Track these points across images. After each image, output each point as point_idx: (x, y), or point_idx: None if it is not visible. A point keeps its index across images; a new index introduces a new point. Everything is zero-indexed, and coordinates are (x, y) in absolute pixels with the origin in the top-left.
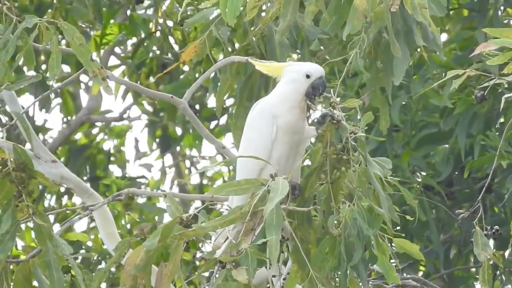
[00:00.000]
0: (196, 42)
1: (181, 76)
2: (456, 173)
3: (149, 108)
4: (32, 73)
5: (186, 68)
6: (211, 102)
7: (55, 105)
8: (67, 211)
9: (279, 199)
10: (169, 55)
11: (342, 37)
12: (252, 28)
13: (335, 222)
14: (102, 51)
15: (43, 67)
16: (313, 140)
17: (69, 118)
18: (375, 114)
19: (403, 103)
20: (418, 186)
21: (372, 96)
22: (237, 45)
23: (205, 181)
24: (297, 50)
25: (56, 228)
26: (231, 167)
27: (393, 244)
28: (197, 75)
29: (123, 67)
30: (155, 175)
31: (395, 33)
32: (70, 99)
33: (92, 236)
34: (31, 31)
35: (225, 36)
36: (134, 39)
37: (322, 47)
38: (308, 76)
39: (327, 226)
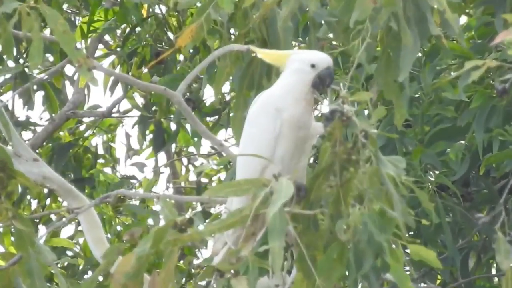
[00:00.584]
0: (193, 26)
1: (176, 68)
2: (474, 172)
3: (142, 101)
4: (11, 63)
5: (182, 58)
6: (206, 95)
7: (39, 99)
8: (51, 215)
9: (282, 201)
10: (163, 44)
11: (350, 23)
12: (252, 12)
13: (344, 226)
14: (89, 40)
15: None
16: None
17: (53, 115)
18: (386, 107)
19: (416, 95)
20: (431, 186)
21: (384, 87)
22: (233, 30)
23: (205, 180)
24: (300, 38)
25: (41, 230)
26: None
27: (407, 251)
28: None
29: (112, 57)
30: (148, 175)
31: (407, 20)
32: (53, 93)
33: (81, 241)
34: (11, 17)
35: (224, 19)
36: (124, 28)
37: (330, 33)
38: (313, 66)
39: (335, 231)
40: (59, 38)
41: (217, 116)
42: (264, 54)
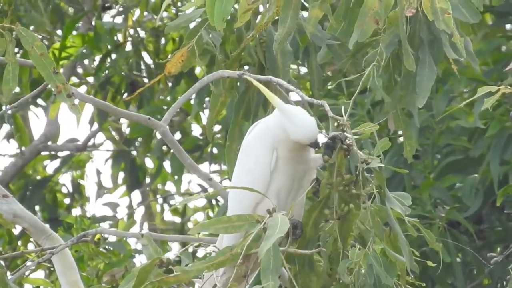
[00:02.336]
0: (183, 50)
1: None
2: (487, 207)
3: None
4: None
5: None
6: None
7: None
8: (23, 255)
9: (277, 237)
10: (140, 71)
11: (349, 45)
12: (247, 34)
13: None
14: (61, 70)
15: None
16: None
17: (23, 148)
18: (393, 136)
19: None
20: (441, 222)
21: (393, 117)
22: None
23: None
24: (299, 61)
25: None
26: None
27: None
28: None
29: (84, 87)
30: (121, 215)
31: (418, 43)
32: (23, 125)
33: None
34: None
35: (217, 42)
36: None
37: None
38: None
39: (338, 273)
40: (35, 62)
41: (198, 152)
42: (259, 85)
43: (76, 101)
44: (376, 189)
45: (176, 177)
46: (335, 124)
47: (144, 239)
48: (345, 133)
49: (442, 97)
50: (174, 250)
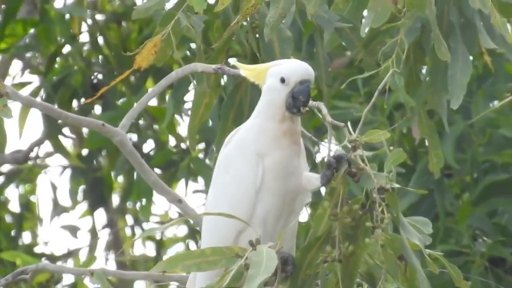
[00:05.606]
0: (156, 39)
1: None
2: None
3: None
4: None
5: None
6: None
7: None
8: None
9: (262, 278)
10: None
11: (361, 32)
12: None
13: None
14: None
15: None
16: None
17: None
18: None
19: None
20: (481, 259)
21: (418, 122)
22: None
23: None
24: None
25: None
26: None
27: None
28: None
29: (32, 87)
30: (82, 241)
31: (448, 28)
32: None
33: None
34: None
35: (199, 28)
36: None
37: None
38: (283, 81)
39: None
40: None
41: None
42: (247, 71)
43: (18, 105)
44: (387, 214)
45: (144, 200)
46: (347, 141)
47: (95, 277)
48: (356, 152)
49: (482, 100)
50: None
